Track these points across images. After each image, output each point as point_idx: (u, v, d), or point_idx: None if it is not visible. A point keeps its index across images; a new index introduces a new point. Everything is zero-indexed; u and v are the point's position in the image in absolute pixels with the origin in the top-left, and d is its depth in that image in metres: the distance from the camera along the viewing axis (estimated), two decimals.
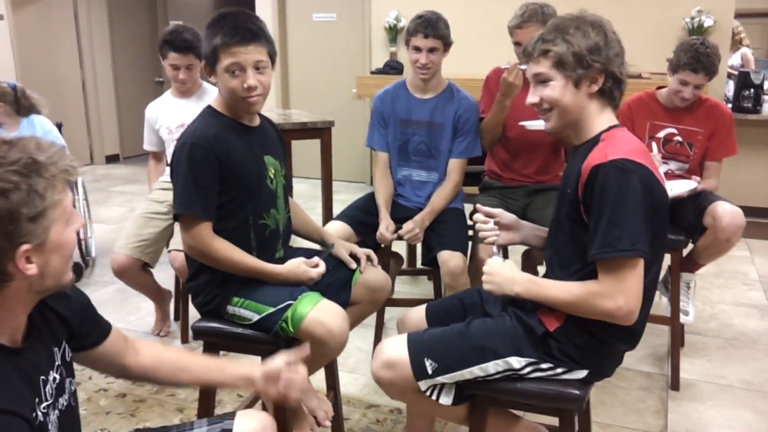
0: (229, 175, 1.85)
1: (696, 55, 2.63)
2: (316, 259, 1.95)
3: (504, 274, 1.65)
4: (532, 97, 1.65)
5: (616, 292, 1.48)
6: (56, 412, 1.20)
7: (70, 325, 1.31)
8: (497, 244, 1.86)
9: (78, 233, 4.26)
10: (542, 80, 1.61)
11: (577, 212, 1.56)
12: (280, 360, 1.44)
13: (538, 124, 2.61)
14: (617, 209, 1.45)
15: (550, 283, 1.60)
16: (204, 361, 1.51)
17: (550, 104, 1.61)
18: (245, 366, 1.49)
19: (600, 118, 1.62)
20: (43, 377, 1.19)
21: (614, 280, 1.48)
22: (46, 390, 1.19)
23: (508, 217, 1.89)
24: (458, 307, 1.92)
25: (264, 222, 1.96)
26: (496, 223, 1.88)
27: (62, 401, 1.24)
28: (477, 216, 1.90)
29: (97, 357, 1.39)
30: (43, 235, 1.08)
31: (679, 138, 2.84)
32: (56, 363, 1.25)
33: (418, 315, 1.97)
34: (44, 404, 1.17)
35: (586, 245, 1.52)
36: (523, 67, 2.64)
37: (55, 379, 1.23)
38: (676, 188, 2.66)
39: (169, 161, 3.03)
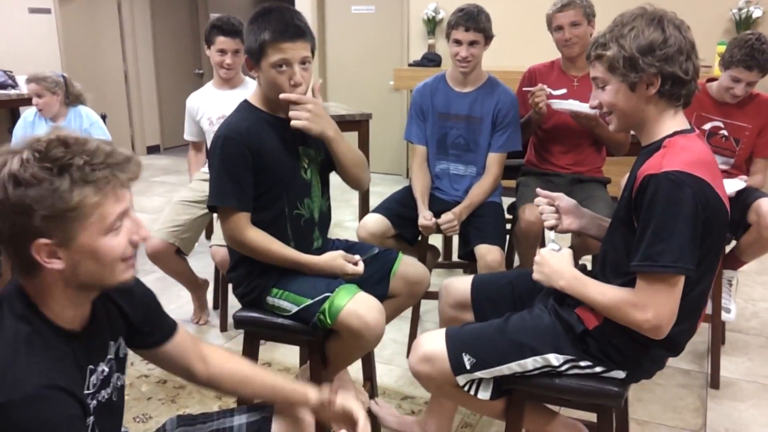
0: (263, 168, 1.88)
1: (751, 52, 2.55)
2: (357, 257, 1.96)
3: (554, 266, 1.64)
4: (592, 101, 1.62)
5: (647, 305, 1.45)
6: (94, 402, 1.22)
7: (130, 321, 1.33)
8: (558, 230, 1.83)
9: None
10: (600, 84, 1.58)
11: (630, 217, 1.53)
12: (349, 400, 1.45)
13: (565, 106, 2.61)
14: (664, 223, 1.41)
15: (591, 283, 1.59)
16: (263, 377, 1.49)
17: (608, 108, 1.58)
18: (302, 386, 1.49)
19: (665, 121, 1.55)
20: (91, 366, 1.22)
21: (648, 293, 1.46)
22: (91, 379, 1.22)
23: (568, 201, 1.84)
24: (507, 290, 1.91)
25: (298, 212, 1.98)
26: (556, 208, 1.84)
27: (104, 393, 1.26)
28: (538, 199, 1.86)
29: (161, 356, 1.41)
30: (64, 235, 1.06)
31: (724, 132, 2.78)
32: (108, 356, 1.27)
33: (463, 285, 1.97)
34: (86, 392, 1.19)
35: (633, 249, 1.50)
36: (555, 93, 2.67)
37: (102, 371, 1.25)
38: (726, 188, 2.61)
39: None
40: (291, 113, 1.83)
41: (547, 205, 1.84)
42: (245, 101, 1.98)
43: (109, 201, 1.08)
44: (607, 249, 1.68)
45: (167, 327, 1.41)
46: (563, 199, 1.84)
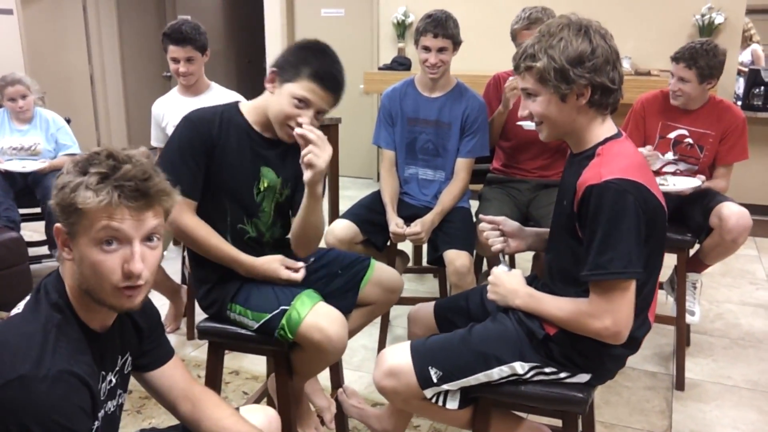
0: (216, 170, 1.84)
1: (682, 48, 2.66)
2: (299, 264, 1.91)
3: (508, 286, 1.67)
4: (522, 111, 1.63)
5: (603, 313, 1.48)
6: (102, 412, 1.23)
7: (142, 337, 1.34)
8: (506, 253, 1.87)
9: None
10: (529, 94, 1.58)
11: (573, 227, 1.55)
12: None
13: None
14: (610, 231, 1.44)
15: (546, 299, 1.61)
16: None
17: (539, 118, 1.59)
18: None
19: (596, 129, 1.58)
20: (103, 372, 1.24)
21: (603, 301, 1.48)
22: (102, 386, 1.23)
23: (512, 224, 1.88)
24: (464, 306, 1.93)
25: (242, 227, 1.92)
26: (501, 232, 1.87)
27: (110, 405, 1.27)
28: (483, 225, 1.90)
29: (149, 382, 1.41)
30: (70, 228, 1.12)
31: (689, 140, 2.82)
32: (116, 368, 1.29)
33: (428, 310, 1.97)
34: (99, 398, 1.21)
35: (581, 258, 1.52)
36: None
37: (111, 381, 1.26)
38: (679, 184, 2.66)
39: None
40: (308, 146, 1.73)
41: (491, 231, 1.87)
42: (237, 103, 1.94)
43: (100, 214, 1.10)
44: (551, 258, 1.71)
45: (164, 351, 1.41)
46: (507, 223, 1.87)
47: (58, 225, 1.14)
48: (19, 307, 1.21)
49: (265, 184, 1.92)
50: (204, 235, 1.84)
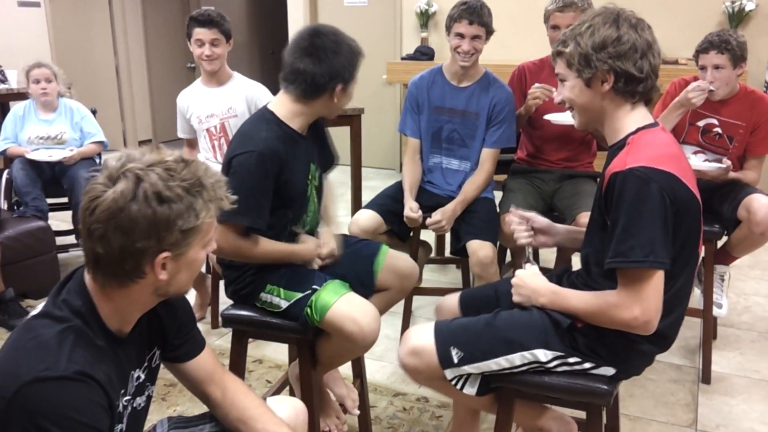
0: (280, 187, 1.86)
1: (706, 38, 2.63)
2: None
3: (531, 285, 1.67)
4: (557, 97, 1.67)
5: (632, 303, 1.46)
6: (129, 408, 1.25)
7: (167, 332, 1.37)
8: (532, 246, 1.86)
9: None
10: (562, 80, 1.62)
11: (603, 217, 1.55)
12: None
13: (562, 119, 2.60)
14: (632, 219, 1.43)
15: (571, 294, 1.61)
16: (267, 425, 1.40)
17: (568, 103, 1.62)
18: None
19: (626, 118, 1.57)
20: (132, 372, 1.26)
21: (630, 291, 1.47)
22: (131, 385, 1.25)
23: (541, 220, 1.88)
24: (492, 296, 1.92)
25: (296, 227, 1.99)
26: (530, 227, 1.87)
27: (139, 400, 1.30)
28: (511, 218, 1.89)
29: (182, 372, 1.43)
30: (183, 249, 1.16)
31: (718, 129, 2.76)
32: (144, 364, 1.31)
33: (453, 302, 1.97)
34: (126, 397, 1.23)
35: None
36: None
37: (139, 377, 1.29)
38: (698, 165, 2.63)
39: (201, 149, 3.06)
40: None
41: (518, 225, 1.86)
42: (270, 112, 1.92)
43: (215, 219, 1.21)
44: (588, 251, 1.69)
45: (196, 344, 1.43)
46: (536, 220, 1.88)
47: (162, 255, 1.13)
48: (38, 309, 1.20)
49: (311, 176, 1.99)
50: (260, 249, 1.87)
